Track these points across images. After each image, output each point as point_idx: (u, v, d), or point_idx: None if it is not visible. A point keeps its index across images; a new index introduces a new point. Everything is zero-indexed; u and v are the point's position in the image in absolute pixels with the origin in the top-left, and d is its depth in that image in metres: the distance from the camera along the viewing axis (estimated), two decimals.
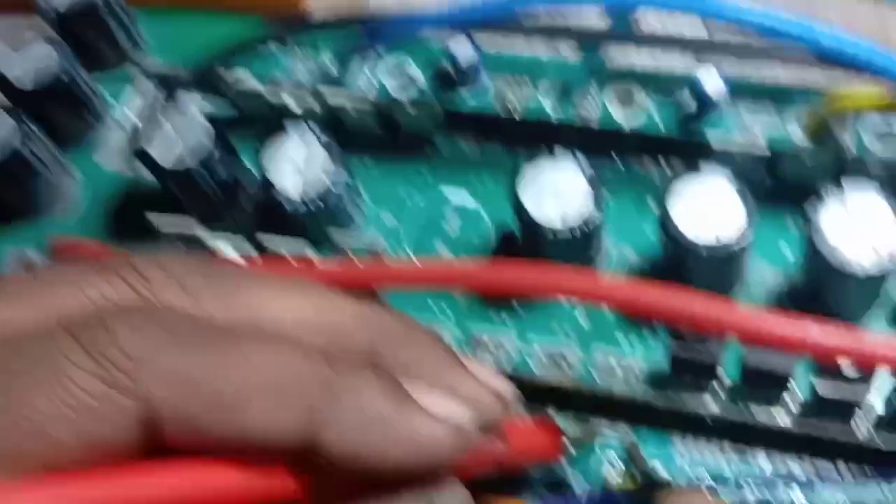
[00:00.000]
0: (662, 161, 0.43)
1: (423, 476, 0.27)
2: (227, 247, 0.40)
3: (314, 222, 0.41)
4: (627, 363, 0.40)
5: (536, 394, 0.40)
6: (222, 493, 0.26)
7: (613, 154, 0.43)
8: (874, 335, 0.30)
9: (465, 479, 0.30)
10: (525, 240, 0.39)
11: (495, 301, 0.42)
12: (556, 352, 0.40)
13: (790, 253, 0.41)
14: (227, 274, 0.28)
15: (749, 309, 0.30)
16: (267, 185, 0.40)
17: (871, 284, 0.35)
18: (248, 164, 0.44)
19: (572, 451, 0.39)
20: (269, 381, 0.25)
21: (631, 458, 0.38)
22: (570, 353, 0.40)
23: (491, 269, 0.33)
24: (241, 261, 0.39)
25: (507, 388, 0.31)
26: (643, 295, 0.31)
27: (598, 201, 0.38)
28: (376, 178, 0.45)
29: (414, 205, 0.45)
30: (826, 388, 0.35)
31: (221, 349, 0.25)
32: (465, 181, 0.45)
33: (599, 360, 0.40)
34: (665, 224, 0.37)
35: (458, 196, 0.44)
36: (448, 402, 0.28)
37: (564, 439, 0.37)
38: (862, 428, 0.37)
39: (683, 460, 0.39)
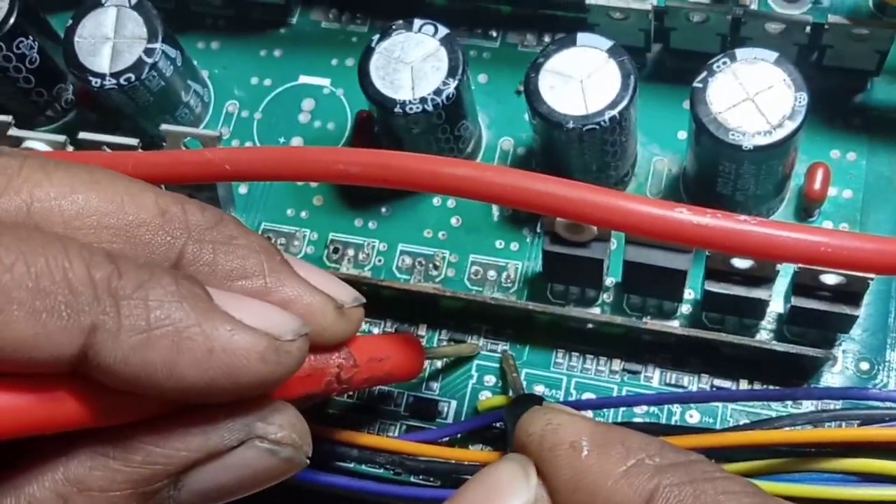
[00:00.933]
0: (539, 35, 0.38)
1: (240, 397, 0.23)
2: (41, 144, 0.35)
3: (137, 107, 0.36)
4: (503, 268, 0.35)
5: (401, 302, 0.35)
6: None
7: (485, 30, 0.39)
8: (763, 221, 0.25)
9: (304, 398, 0.26)
10: (380, 121, 0.34)
11: (360, 204, 0.37)
12: (424, 256, 0.36)
13: (685, 135, 0.36)
14: (6, 160, 0.23)
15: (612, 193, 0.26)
16: (76, 61, 0.34)
17: (763, 159, 0.31)
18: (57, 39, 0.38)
19: (438, 365, 0.35)
20: (29, 286, 0.20)
21: (502, 370, 0.34)
22: (440, 257, 0.36)
23: (307, 153, 0.28)
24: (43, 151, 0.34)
25: (348, 295, 0.27)
26: (489, 177, 0.26)
27: (453, 70, 0.33)
28: (222, 59, 0.40)
29: (264, 89, 0.39)
30: (717, 286, 0.31)
31: None
32: (323, 62, 0.39)
33: (472, 265, 0.36)
34: (531, 99, 0.32)
35: (314, 79, 0.39)
36: (264, 310, 0.24)
37: (429, 354, 0.33)
38: (761, 332, 0.33)
39: (564, 374, 0.34)
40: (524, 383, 0.34)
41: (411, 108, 0.33)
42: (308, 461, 0.25)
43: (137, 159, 0.30)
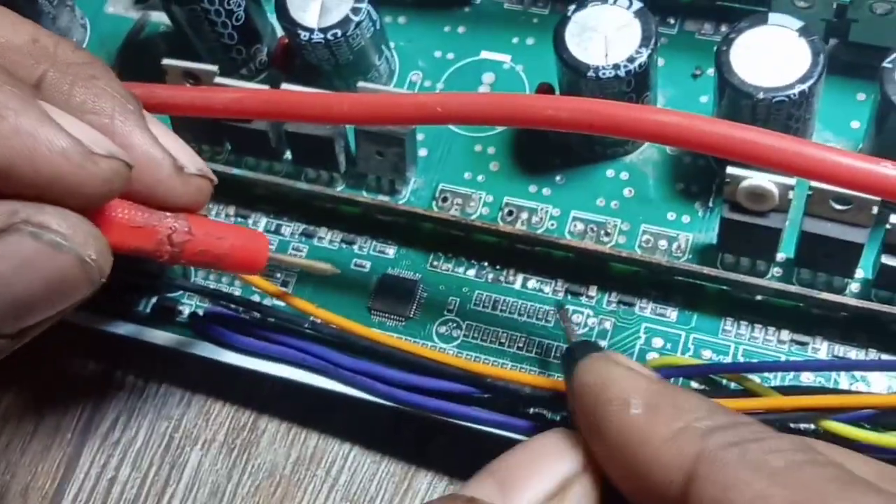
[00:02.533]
0: (716, 24, 0.40)
1: (43, 196, 0.24)
2: None
3: (335, 65, 0.39)
4: (673, 238, 0.37)
5: (572, 264, 0.37)
6: None
7: (664, 17, 0.41)
8: None
9: (135, 252, 0.28)
10: (569, 87, 0.36)
11: (535, 171, 0.39)
12: (596, 223, 0.38)
13: (859, 124, 0.38)
14: None
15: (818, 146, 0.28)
16: (287, 15, 0.37)
17: None
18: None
19: (606, 326, 0.36)
20: None
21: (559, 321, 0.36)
22: (612, 224, 0.38)
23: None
24: None
25: (192, 161, 0.29)
26: (695, 125, 0.28)
27: (646, 41, 0.35)
28: (408, 33, 0.43)
29: (446, 62, 0.42)
30: (894, 260, 0.32)
31: None
32: (503, 40, 0.42)
33: (643, 234, 0.37)
34: (722, 70, 0.34)
35: (495, 55, 0.42)
36: (80, 123, 0.25)
37: (276, 258, 0.34)
38: None
39: (732, 342, 0.35)
40: (578, 334, 0.36)
41: (604, 73, 0.35)
42: (90, 262, 0.25)
43: (353, 100, 0.33)
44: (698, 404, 0.24)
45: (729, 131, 0.28)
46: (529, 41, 0.42)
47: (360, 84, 0.37)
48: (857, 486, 0.21)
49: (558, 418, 0.35)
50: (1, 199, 0.24)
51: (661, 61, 0.40)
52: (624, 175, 0.38)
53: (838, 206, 0.32)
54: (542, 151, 0.39)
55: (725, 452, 0.22)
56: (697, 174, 0.38)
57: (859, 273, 0.35)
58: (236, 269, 0.32)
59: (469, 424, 0.35)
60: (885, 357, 0.34)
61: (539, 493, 0.25)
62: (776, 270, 0.36)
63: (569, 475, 0.26)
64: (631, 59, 0.35)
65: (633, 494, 0.25)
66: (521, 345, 0.37)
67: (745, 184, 0.33)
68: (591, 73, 0.35)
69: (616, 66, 0.35)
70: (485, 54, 0.42)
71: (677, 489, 0.23)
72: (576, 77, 0.35)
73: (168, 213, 0.29)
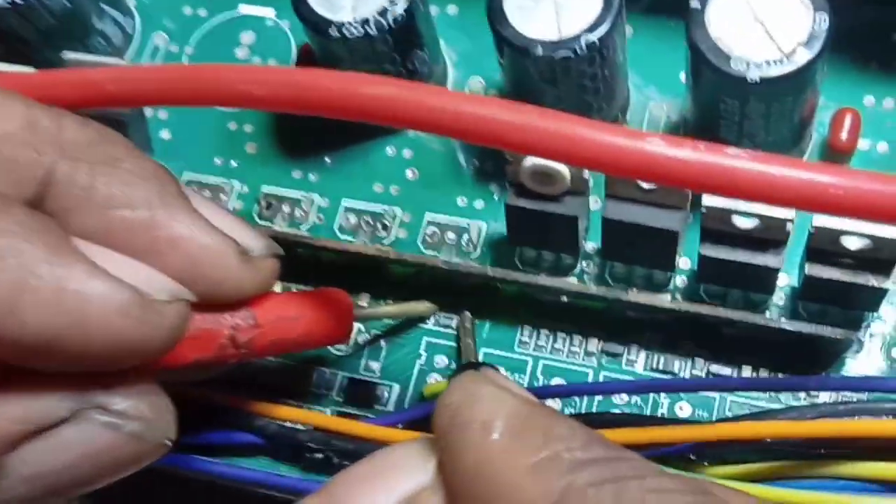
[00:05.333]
0: None
1: (99, 365, 0.21)
2: None
3: (38, 33, 0.33)
4: (464, 229, 0.32)
5: (342, 268, 0.32)
6: None
7: None
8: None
9: (190, 367, 0.24)
10: (319, 51, 0.31)
11: (299, 153, 0.34)
12: (372, 213, 0.32)
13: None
14: None
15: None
16: None
17: (772, 95, 0.27)
18: None
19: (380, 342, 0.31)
20: None
21: (456, 336, 0.31)
22: (390, 215, 0.32)
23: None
24: None
25: (257, 242, 0.25)
26: (420, 98, 0.23)
27: None
28: None
29: (198, 20, 0.36)
30: (715, 251, 0.27)
31: None
32: None
33: (428, 225, 0.32)
34: (493, 21, 0.28)
35: (256, 8, 0.36)
36: (134, 265, 0.22)
37: (362, 315, 0.31)
38: (771, 309, 0.29)
39: (530, 356, 0.30)
40: (479, 354, 0.30)
41: (351, 32, 0.29)
42: (169, 444, 0.22)
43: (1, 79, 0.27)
44: (573, 433, 0.21)
45: (459, 106, 0.23)
46: None
47: (66, 55, 0.31)
48: None
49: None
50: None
51: (453, 8, 0.34)
52: (406, 153, 0.33)
53: (645, 185, 0.27)
54: (310, 128, 0.34)
55: (598, 490, 0.19)
56: (492, 149, 0.32)
57: (685, 263, 0.30)
58: (320, 346, 0.28)
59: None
60: (714, 369, 0.29)
61: None
62: (585, 265, 0.31)
63: (415, 491, 0.22)
64: (383, 13, 0.29)
65: None
66: None
67: (528, 162, 0.27)
68: (334, 32, 0.29)
69: (365, 22, 0.29)
70: (244, 9, 0.36)
71: None
72: (320, 39, 0.29)
73: (226, 311, 0.24)
